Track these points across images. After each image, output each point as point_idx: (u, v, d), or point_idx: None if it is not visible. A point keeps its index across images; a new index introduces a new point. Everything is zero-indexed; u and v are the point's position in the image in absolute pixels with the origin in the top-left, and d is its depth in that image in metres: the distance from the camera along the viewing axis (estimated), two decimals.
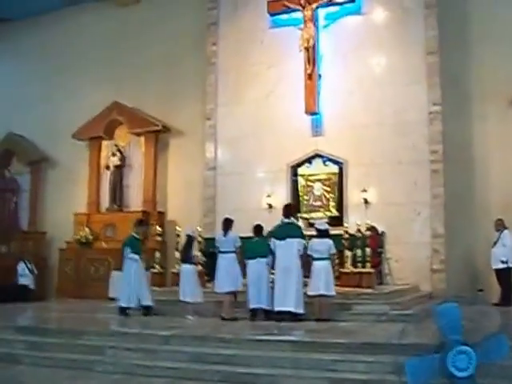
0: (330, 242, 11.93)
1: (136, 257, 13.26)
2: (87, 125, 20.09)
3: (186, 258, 12.91)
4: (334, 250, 12.02)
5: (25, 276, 18.37)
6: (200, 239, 14.82)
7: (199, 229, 14.92)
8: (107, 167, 19.96)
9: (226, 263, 12.38)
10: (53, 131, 21.03)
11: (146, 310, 13.12)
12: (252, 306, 12.03)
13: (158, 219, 18.41)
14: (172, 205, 19.13)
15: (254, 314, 12.05)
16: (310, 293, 11.63)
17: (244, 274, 12.35)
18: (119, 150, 19.89)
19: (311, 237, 12.22)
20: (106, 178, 20.07)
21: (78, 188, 20.32)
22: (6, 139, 21.77)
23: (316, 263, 11.72)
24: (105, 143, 20.36)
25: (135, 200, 19.62)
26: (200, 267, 13.98)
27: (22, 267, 18.49)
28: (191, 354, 9.29)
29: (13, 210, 21.72)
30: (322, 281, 11.49)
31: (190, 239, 13.05)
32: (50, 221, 20.86)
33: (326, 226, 12.27)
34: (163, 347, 9.77)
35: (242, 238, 13.40)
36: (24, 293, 18.06)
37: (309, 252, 11.88)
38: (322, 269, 11.60)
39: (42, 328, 11.85)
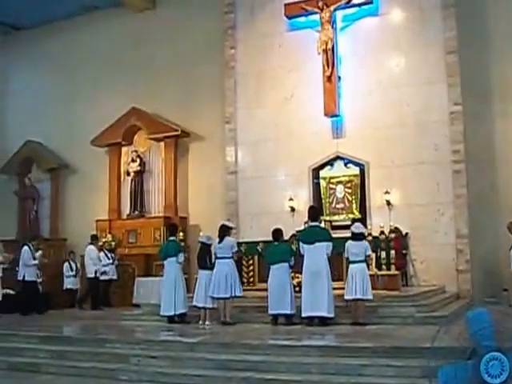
0: (365, 243, 11.93)
1: (183, 261, 13.44)
2: (106, 131, 20.09)
3: (203, 264, 12.94)
4: (369, 252, 12.00)
5: (105, 266, 17.85)
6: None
7: None
8: (127, 173, 19.94)
9: (224, 269, 12.45)
10: (72, 138, 21.10)
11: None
12: (273, 311, 12.04)
13: (180, 224, 18.30)
14: (194, 210, 19.09)
15: (276, 319, 12.02)
16: (346, 297, 11.60)
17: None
18: (139, 156, 19.84)
19: (345, 239, 12.15)
20: (127, 184, 20.06)
21: (99, 194, 20.33)
22: (26, 147, 21.79)
23: (352, 266, 11.70)
24: (124, 149, 20.36)
25: (156, 205, 19.64)
26: None
27: (102, 256, 17.89)
28: (217, 361, 9.24)
29: (34, 217, 21.76)
30: (358, 284, 11.44)
31: (205, 246, 13.06)
32: (70, 228, 20.88)
33: (361, 230, 12.16)
34: (188, 354, 9.74)
35: (265, 241, 13.42)
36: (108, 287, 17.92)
37: (345, 255, 11.83)
38: (357, 272, 11.55)
39: (66, 337, 11.85)
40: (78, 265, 18.51)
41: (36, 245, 17.44)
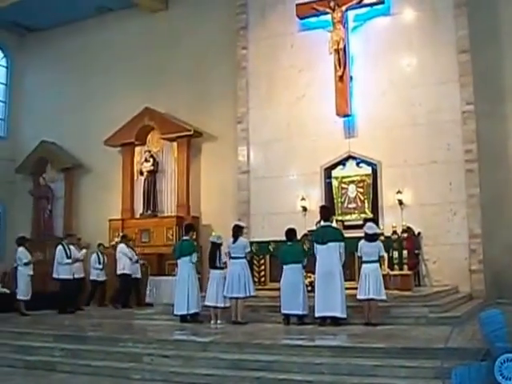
0: (379, 244, 11.84)
1: (196, 260, 13.42)
2: (119, 131, 20.24)
3: (214, 263, 12.96)
4: (383, 252, 11.92)
5: (130, 262, 17.61)
6: None
7: None
8: (140, 173, 20.06)
9: (237, 268, 12.50)
10: (86, 138, 21.29)
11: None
12: (286, 311, 12.03)
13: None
14: (206, 209, 19.20)
15: (288, 318, 12.04)
16: (359, 296, 11.55)
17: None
18: (152, 156, 19.96)
19: (358, 239, 12.11)
20: (140, 183, 20.19)
21: (112, 194, 20.47)
22: (40, 147, 22.07)
23: (365, 266, 11.64)
24: (137, 149, 20.49)
25: (169, 205, 19.76)
26: None
27: (123, 251, 17.66)
28: (229, 360, 9.23)
29: (48, 216, 21.92)
30: (371, 284, 11.39)
31: (215, 245, 13.07)
32: (84, 227, 20.99)
33: (374, 230, 12.02)
34: (201, 354, 9.72)
35: (277, 241, 13.39)
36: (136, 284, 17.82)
37: (358, 254, 11.85)
38: (370, 272, 11.49)
39: (80, 335, 11.90)
40: (106, 258, 18.42)
41: (77, 242, 17.81)
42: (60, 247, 16.92)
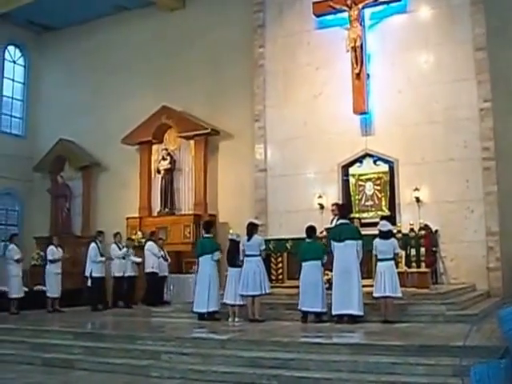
0: (394, 241, 11.86)
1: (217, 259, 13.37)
2: (137, 129, 20.32)
3: (232, 261, 12.97)
4: (398, 250, 11.94)
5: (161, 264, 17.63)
6: None
7: None
8: (158, 171, 20.10)
9: (252, 266, 12.52)
10: (103, 136, 21.36)
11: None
12: (304, 308, 12.03)
13: None
14: (223, 207, 19.21)
15: (305, 316, 12.05)
16: (375, 294, 11.55)
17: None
18: (169, 154, 20.01)
19: (374, 236, 12.10)
20: (157, 181, 20.25)
21: (129, 192, 20.53)
22: (58, 145, 22.18)
23: (380, 264, 11.66)
24: (155, 147, 20.58)
25: (186, 203, 19.79)
26: None
27: (152, 249, 17.59)
28: (247, 358, 9.27)
29: (66, 215, 22.04)
30: (387, 282, 11.40)
31: (234, 243, 13.09)
32: (102, 225, 20.97)
33: (388, 227, 12.06)
34: (219, 351, 9.77)
35: (294, 239, 13.36)
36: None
37: (374, 252, 11.87)
38: (386, 269, 11.50)
39: (99, 333, 11.98)
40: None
41: (120, 239, 17.87)
42: (93, 245, 17.01)
